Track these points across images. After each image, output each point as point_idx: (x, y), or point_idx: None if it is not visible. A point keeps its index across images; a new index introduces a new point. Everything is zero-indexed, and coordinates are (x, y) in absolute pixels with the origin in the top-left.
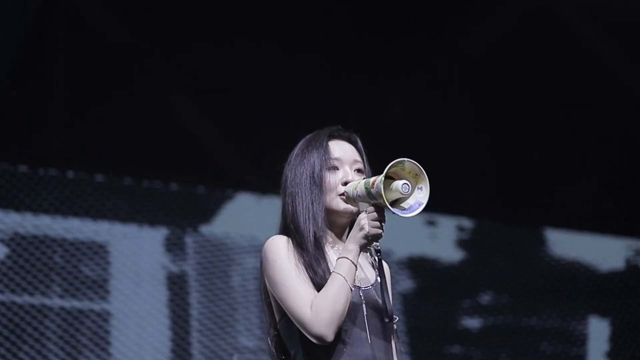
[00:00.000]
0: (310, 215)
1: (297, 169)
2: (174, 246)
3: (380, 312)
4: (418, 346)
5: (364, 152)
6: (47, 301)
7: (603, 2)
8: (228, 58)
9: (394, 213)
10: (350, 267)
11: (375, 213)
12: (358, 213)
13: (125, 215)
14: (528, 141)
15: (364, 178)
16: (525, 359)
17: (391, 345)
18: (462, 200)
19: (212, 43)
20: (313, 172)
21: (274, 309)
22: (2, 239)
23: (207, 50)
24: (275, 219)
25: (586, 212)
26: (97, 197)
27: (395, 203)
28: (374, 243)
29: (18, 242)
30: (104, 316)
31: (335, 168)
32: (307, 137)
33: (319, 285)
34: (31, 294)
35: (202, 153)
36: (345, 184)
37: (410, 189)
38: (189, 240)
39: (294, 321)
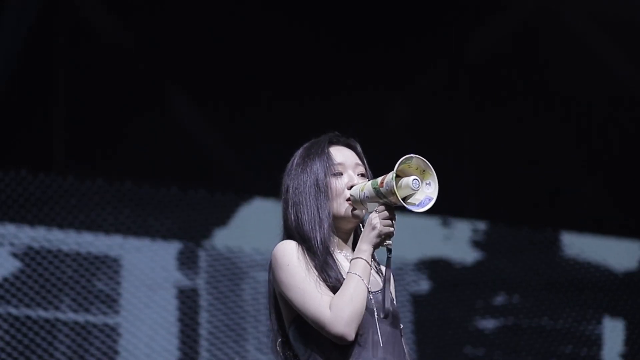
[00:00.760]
0: (317, 223)
1: (300, 177)
2: (186, 259)
3: (390, 316)
4: (433, 347)
5: (363, 156)
6: (59, 315)
7: (605, 3)
8: (232, 61)
9: (407, 209)
10: (365, 266)
11: (386, 211)
12: (364, 219)
13: (137, 228)
14: (538, 143)
15: (368, 179)
16: None
17: (403, 349)
18: (473, 204)
19: (214, 47)
20: (317, 180)
21: (283, 314)
22: (16, 253)
23: (212, 53)
24: (281, 229)
25: (597, 214)
26: (109, 210)
27: (404, 200)
28: (387, 242)
29: (32, 256)
30: (115, 330)
31: (340, 174)
32: (306, 145)
33: (332, 288)
34: (45, 308)
35: (210, 160)
36: (351, 187)
37: (419, 184)
38: (201, 253)
39: (312, 323)
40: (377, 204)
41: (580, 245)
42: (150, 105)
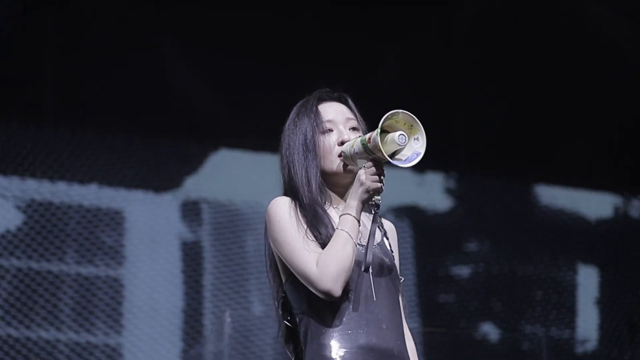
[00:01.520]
0: (306, 182)
1: (291, 137)
2: (189, 212)
3: (385, 270)
4: (410, 295)
5: (356, 110)
6: (63, 267)
7: None
8: (224, 18)
9: (393, 164)
10: (353, 222)
11: (374, 167)
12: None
13: (139, 181)
14: (521, 100)
15: (359, 136)
16: (518, 307)
17: (398, 303)
18: (454, 157)
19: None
20: (305, 139)
21: (280, 270)
22: (19, 205)
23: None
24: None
25: (576, 169)
26: (112, 162)
27: (392, 155)
28: (375, 197)
29: (35, 208)
30: (118, 281)
31: (330, 130)
32: (298, 104)
33: (323, 244)
34: (48, 260)
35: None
36: (342, 143)
37: (406, 139)
38: (204, 206)
39: (300, 279)
40: (366, 160)
41: (555, 196)
42: (145, 59)
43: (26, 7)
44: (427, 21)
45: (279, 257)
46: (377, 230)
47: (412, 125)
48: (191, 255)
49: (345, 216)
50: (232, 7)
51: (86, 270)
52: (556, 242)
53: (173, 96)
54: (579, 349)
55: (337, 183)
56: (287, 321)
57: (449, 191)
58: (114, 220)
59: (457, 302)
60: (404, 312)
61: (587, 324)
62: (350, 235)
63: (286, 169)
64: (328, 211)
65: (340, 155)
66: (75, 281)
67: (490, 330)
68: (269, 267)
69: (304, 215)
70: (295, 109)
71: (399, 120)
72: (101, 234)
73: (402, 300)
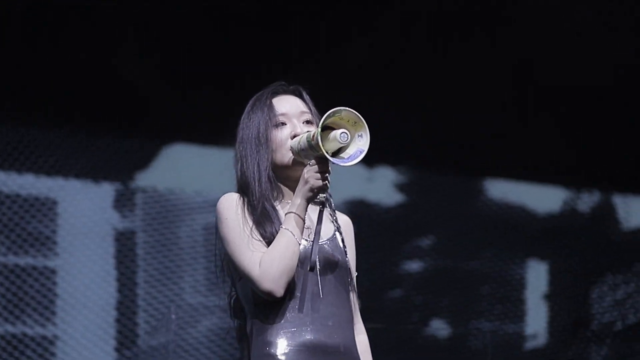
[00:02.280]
0: (257, 176)
1: (244, 130)
2: (122, 202)
3: (334, 267)
4: (359, 291)
5: (311, 104)
6: (0, 258)
7: None
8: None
9: (333, 163)
10: (297, 221)
11: (317, 165)
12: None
13: (75, 170)
14: (470, 90)
15: (308, 131)
16: (465, 302)
17: (348, 299)
18: (404, 152)
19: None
20: (258, 133)
21: (231, 269)
22: None
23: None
24: (221, 172)
25: (524, 164)
26: (44, 151)
27: (337, 153)
28: (321, 195)
29: None
30: (55, 272)
31: (283, 124)
32: (253, 97)
33: (269, 242)
34: None
35: (148, 104)
36: (295, 136)
37: (348, 137)
38: (137, 195)
39: (244, 279)
40: (312, 157)
41: (503, 190)
42: (84, 48)
43: None
44: (368, 20)
45: (229, 256)
46: (331, 225)
47: (355, 122)
48: (126, 245)
49: (289, 214)
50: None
51: (23, 260)
52: (504, 237)
53: (114, 87)
54: (527, 345)
55: (289, 177)
56: (237, 319)
57: (398, 186)
58: (51, 210)
59: (404, 298)
60: (356, 308)
61: (536, 319)
62: (293, 234)
63: (239, 163)
64: (280, 206)
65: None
66: (11, 272)
67: (437, 326)
68: (221, 265)
69: (252, 212)
70: (250, 102)
71: (342, 118)
72: (38, 224)
73: (354, 296)
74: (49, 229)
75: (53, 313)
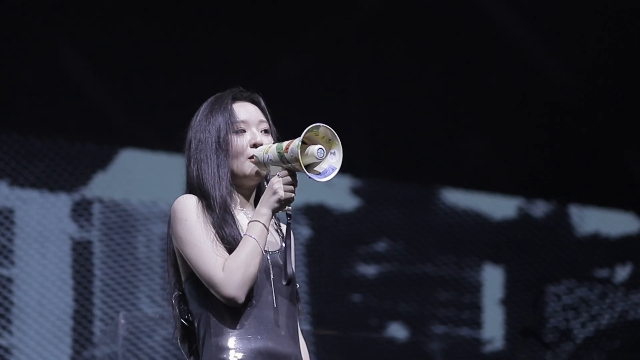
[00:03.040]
0: (217, 180)
1: (202, 134)
2: (79, 211)
3: (285, 277)
4: (317, 294)
5: (267, 112)
6: None
7: None
8: (121, 14)
9: (310, 177)
10: (262, 230)
11: (288, 177)
12: (267, 176)
13: (32, 179)
14: (425, 103)
15: (274, 142)
16: (422, 306)
17: (295, 308)
18: (361, 158)
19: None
20: (219, 137)
21: (180, 268)
22: None
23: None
24: (178, 180)
25: (479, 172)
26: (6, 160)
27: (308, 167)
28: (287, 207)
29: None
30: (11, 281)
31: (242, 131)
32: (209, 100)
33: (228, 247)
34: None
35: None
36: (254, 145)
37: (324, 153)
38: (94, 206)
39: (204, 282)
40: (280, 168)
41: (459, 198)
42: (37, 55)
43: None
44: (323, 19)
45: (180, 255)
46: (278, 235)
47: (330, 139)
48: (83, 255)
49: (254, 223)
50: (136, 8)
51: None
52: (460, 244)
53: (70, 95)
54: (483, 349)
55: (243, 185)
56: (183, 320)
57: (355, 192)
58: (8, 219)
59: (361, 303)
60: (299, 318)
61: (492, 324)
62: (258, 243)
63: (195, 166)
64: (234, 213)
65: (251, 158)
66: None
67: (393, 331)
68: (170, 263)
69: (211, 216)
70: (206, 105)
71: (318, 133)
72: None
73: (298, 306)
74: (4, 237)
75: (9, 321)
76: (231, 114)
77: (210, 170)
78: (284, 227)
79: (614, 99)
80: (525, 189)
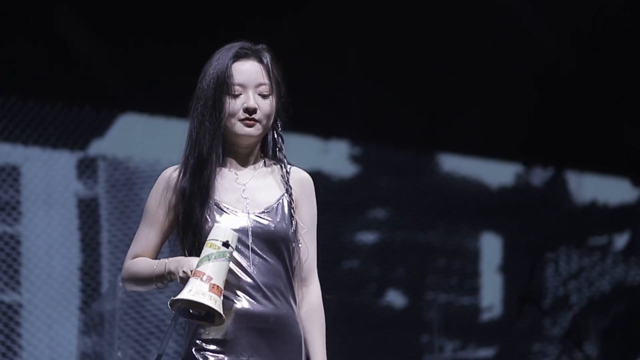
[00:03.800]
0: (209, 139)
1: (201, 93)
2: (83, 169)
3: (270, 236)
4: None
5: (274, 69)
6: None
7: None
8: None
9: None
10: (162, 270)
11: (184, 278)
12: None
13: (34, 138)
14: (424, 69)
15: (269, 111)
16: (420, 274)
17: (285, 268)
18: (358, 125)
19: None
20: (214, 99)
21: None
22: None
23: None
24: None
25: (477, 138)
26: (9, 118)
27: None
28: (183, 269)
29: None
30: (14, 238)
31: (239, 95)
32: (214, 56)
33: (194, 224)
34: None
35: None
36: (247, 110)
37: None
38: (98, 163)
39: None
40: (210, 247)
41: (457, 164)
42: (37, 23)
43: None
44: None
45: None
46: (278, 190)
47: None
48: (88, 212)
49: (166, 263)
50: None
51: None
52: (459, 210)
53: (74, 59)
54: (483, 316)
55: (239, 144)
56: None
57: (353, 158)
58: (11, 176)
59: (360, 269)
60: (309, 268)
61: (491, 291)
62: (153, 278)
63: (192, 124)
64: (226, 174)
65: (243, 120)
66: None
67: (392, 298)
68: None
69: (192, 182)
70: (209, 63)
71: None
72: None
73: (294, 258)
74: (7, 194)
75: (16, 279)
76: (228, 75)
77: (204, 131)
78: (297, 172)
79: (611, 66)
80: (523, 155)
